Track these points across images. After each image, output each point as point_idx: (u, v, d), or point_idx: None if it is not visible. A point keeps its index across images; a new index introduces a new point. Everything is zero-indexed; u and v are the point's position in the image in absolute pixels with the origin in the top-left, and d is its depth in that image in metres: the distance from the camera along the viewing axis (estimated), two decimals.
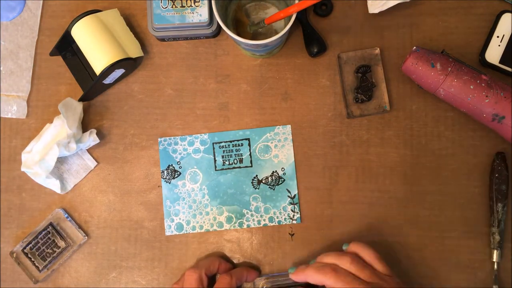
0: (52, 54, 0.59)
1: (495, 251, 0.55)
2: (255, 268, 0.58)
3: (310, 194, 0.58)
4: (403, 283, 0.49)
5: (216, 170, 0.59)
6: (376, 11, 0.57)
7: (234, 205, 0.58)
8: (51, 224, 0.58)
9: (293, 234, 0.58)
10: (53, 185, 0.58)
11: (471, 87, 0.52)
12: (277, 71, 0.60)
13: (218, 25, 0.58)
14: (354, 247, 0.51)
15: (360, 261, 0.49)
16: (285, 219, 0.58)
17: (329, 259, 0.50)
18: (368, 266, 0.49)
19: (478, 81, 0.52)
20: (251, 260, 0.58)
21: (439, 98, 0.56)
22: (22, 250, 0.58)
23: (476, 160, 0.57)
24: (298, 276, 0.51)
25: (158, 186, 0.59)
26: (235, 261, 0.58)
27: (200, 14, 0.56)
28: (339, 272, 0.48)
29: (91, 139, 0.58)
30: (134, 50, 0.58)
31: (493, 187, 0.55)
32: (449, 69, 0.52)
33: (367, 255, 0.50)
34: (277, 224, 0.58)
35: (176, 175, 0.59)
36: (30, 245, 0.58)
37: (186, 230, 0.59)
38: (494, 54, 0.56)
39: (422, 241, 0.57)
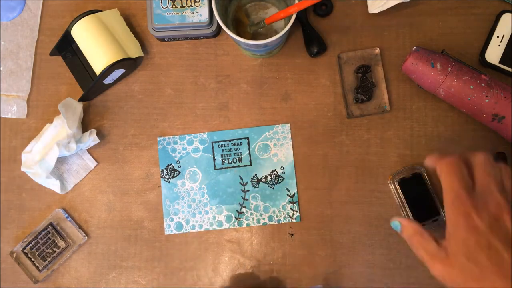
0: (52, 54, 0.59)
1: None
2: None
3: (310, 194, 0.58)
4: None
5: (215, 169, 0.59)
6: (376, 11, 0.57)
7: (233, 204, 0.58)
8: (51, 224, 0.58)
9: (293, 234, 0.58)
10: (53, 185, 0.58)
11: (471, 87, 0.52)
12: (277, 71, 0.59)
13: (218, 25, 0.58)
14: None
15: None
16: (284, 218, 0.58)
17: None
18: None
19: (478, 81, 0.52)
20: (251, 260, 0.58)
21: (439, 98, 0.56)
22: (22, 250, 0.58)
23: None
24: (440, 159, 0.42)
25: (158, 186, 0.59)
26: (235, 261, 0.58)
27: (200, 14, 0.56)
28: (490, 162, 0.38)
29: (91, 139, 0.58)
30: (134, 50, 0.58)
31: None
32: (449, 69, 0.52)
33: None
34: (276, 223, 0.58)
35: (175, 174, 0.59)
36: (30, 245, 0.58)
37: (186, 229, 0.59)
38: (494, 54, 0.56)
39: None
